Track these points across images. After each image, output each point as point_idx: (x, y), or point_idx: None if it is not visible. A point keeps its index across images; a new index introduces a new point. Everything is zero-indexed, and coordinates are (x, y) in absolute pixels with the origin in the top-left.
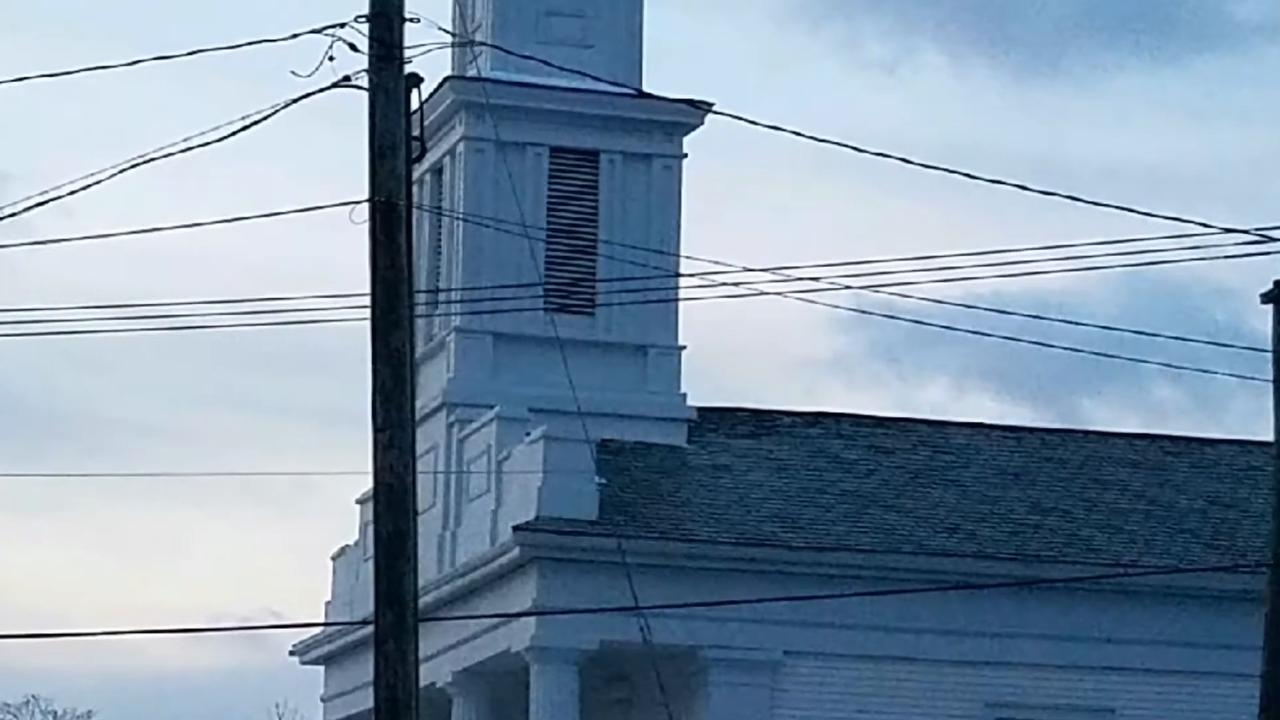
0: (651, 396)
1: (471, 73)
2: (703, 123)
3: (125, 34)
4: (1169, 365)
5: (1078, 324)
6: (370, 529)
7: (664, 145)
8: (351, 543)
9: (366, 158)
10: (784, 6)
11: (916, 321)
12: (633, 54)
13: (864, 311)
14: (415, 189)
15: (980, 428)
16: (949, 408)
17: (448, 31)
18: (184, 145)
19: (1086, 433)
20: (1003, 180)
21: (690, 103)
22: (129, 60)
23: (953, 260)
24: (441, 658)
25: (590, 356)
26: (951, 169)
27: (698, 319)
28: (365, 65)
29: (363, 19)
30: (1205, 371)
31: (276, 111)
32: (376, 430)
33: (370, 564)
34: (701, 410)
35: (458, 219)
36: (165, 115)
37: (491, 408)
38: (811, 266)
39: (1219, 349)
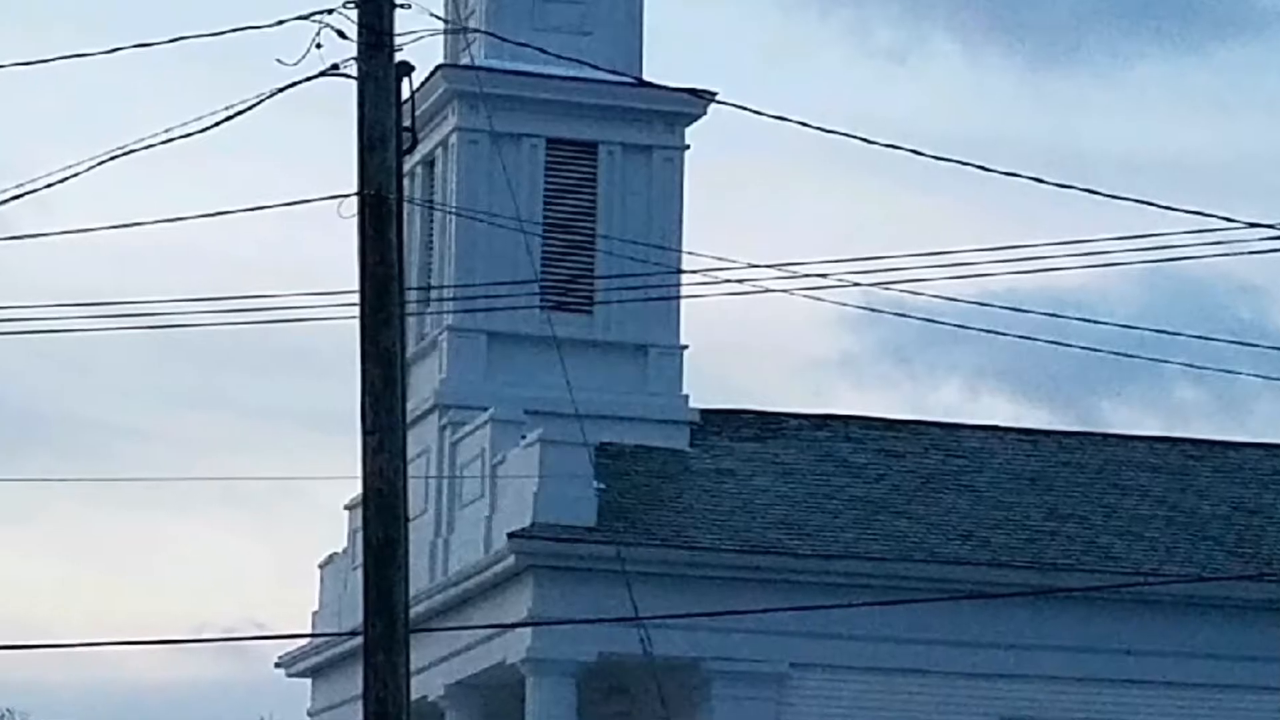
0: (652, 398)
1: (465, 61)
2: (705, 113)
3: (104, 21)
4: (1191, 365)
5: (1096, 322)
6: (359, 536)
7: (665, 136)
8: (340, 550)
9: (355, 149)
10: None
11: (928, 320)
12: (632, 41)
13: (873, 310)
14: (406, 182)
15: (995, 430)
16: (962, 410)
17: (440, 18)
18: (165, 136)
19: (1105, 435)
20: (1018, 173)
21: (693, 92)
22: (108, 48)
23: (966, 256)
24: (433, 670)
25: (588, 356)
26: (964, 161)
27: (700, 317)
28: (354, 53)
29: (351, 5)
30: (1229, 372)
31: (261, 101)
32: (366, 433)
33: (359, 572)
34: (704, 412)
35: (450, 213)
36: (146, 105)
37: (486, 410)
38: (819, 263)
39: (1243, 348)
